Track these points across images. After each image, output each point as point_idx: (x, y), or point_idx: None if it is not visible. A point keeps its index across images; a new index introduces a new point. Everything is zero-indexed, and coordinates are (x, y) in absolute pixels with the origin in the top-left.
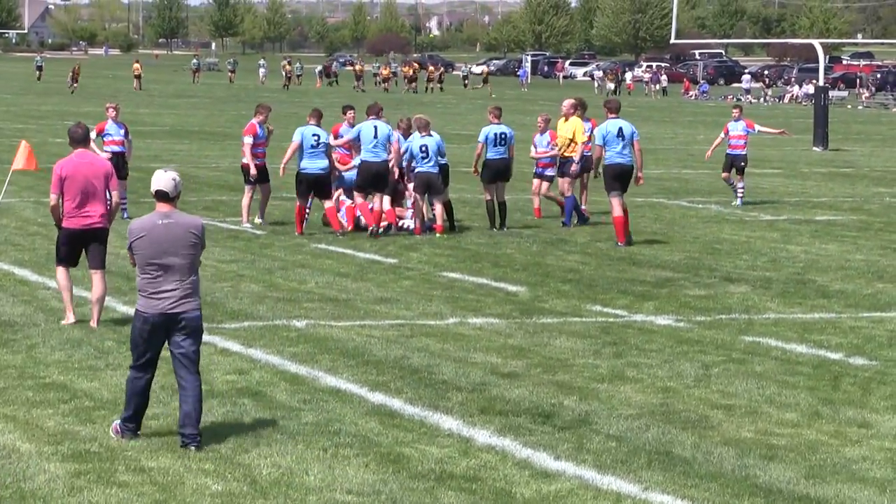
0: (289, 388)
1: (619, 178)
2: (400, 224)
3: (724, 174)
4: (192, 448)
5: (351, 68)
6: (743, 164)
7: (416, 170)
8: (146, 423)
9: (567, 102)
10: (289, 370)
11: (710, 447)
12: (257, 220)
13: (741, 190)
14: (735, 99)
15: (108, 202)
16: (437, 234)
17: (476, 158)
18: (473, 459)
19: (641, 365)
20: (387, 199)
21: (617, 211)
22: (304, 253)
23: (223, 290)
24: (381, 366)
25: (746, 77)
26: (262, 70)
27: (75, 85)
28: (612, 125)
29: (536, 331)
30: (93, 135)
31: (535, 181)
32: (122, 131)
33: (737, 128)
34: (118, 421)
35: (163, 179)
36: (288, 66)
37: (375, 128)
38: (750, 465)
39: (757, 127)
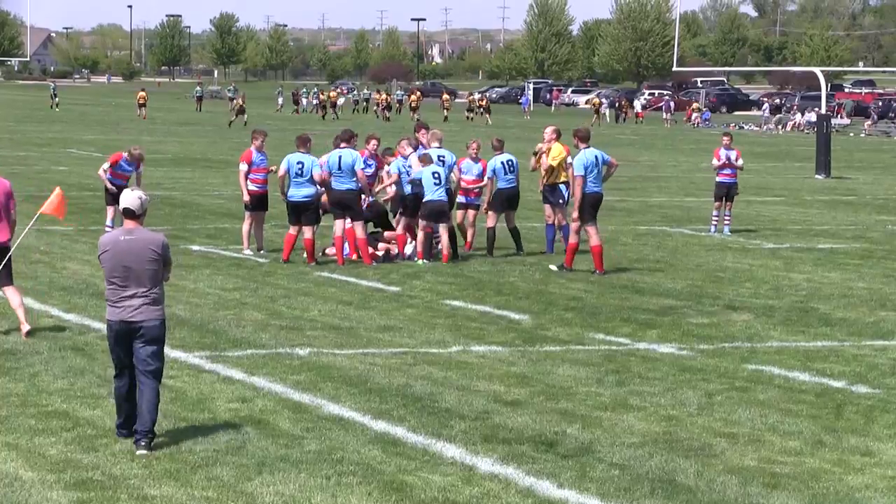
0: (292, 416)
1: (595, 206)
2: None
3: (716, 203)
4: (142, 448)
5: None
6: (735, 192)
7: (425, 198)
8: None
9: (549, 129)
10: (292, 398)
11: (713, 475)
12: (257, 249)
13: (728, 218)
14: (737, 127)
15: (10, 220)
16: (444, 263)
17: (490, 193)
18: (476, 488)
19: (644, 393)
20: (401, 224)
21: (594, 240)
22: (307, 281)
23: (226, 319)
24: (384, 394)
25: (766, 107)
26: (279, 98)
27: (242, 117)
28: (589, 154)
29: (539, 359)
30: (106, 165)
31: (460, 212)
32: (132, 169)
33: (729, 156)
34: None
35: (130, 198)
36: (386, 96)
37: (340, 157)
38: (753, 494)
39: (741, 161)
